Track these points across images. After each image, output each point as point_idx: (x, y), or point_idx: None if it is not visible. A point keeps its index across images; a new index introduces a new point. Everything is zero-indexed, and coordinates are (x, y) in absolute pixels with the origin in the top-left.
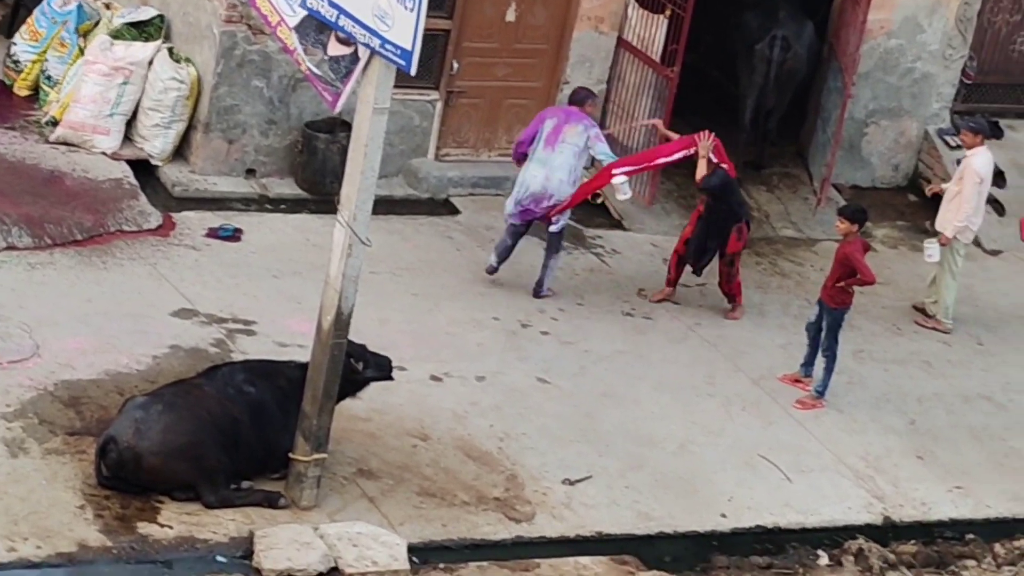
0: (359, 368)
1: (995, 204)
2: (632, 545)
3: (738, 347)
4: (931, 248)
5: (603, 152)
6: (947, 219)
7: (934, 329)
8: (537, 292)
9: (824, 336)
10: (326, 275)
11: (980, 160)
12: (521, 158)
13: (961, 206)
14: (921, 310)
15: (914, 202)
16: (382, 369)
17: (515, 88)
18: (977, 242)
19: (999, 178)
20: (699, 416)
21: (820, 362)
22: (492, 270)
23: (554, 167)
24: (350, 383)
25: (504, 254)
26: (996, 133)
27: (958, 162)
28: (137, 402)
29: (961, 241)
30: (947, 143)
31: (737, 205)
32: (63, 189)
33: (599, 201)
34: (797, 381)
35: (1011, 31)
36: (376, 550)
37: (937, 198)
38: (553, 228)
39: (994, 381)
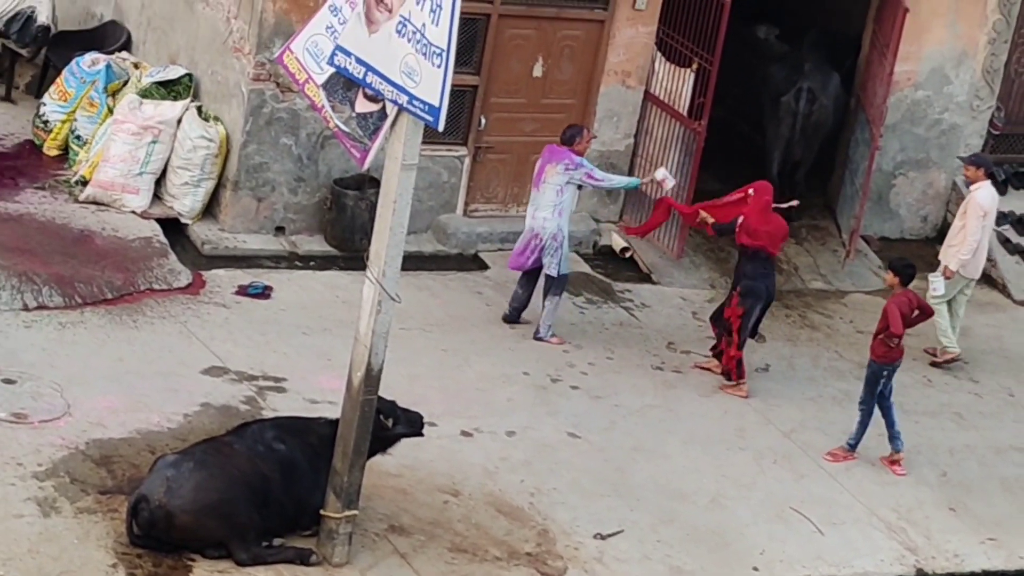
0: (389, 425)
1: (1023, 254)
2: None
3: (768, 400)
4: (936, 282)
5: (609, 180)
6: (951, 253)
7: (948, 361)
8: (535, 335)
9: (863, 388)
10: (356, 331)
11: (983, 194)
12: None
13: (965, 240)
14: (933, 354)
15: None
16: (413, 425)
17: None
18: (1007, 292)
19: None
20: (730, 470)
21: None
22: (508, 318)
23: (539, 206)
24: (380, 440)
25: (514, 302)
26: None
27: None
28: (168, 460)
29: (964, 276)
30: None
31: (748, 273)
32: (93, 248)
33: (628, 255)
34: (893, 463)
35: None
36: None
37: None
38: (550, 272)
39: None
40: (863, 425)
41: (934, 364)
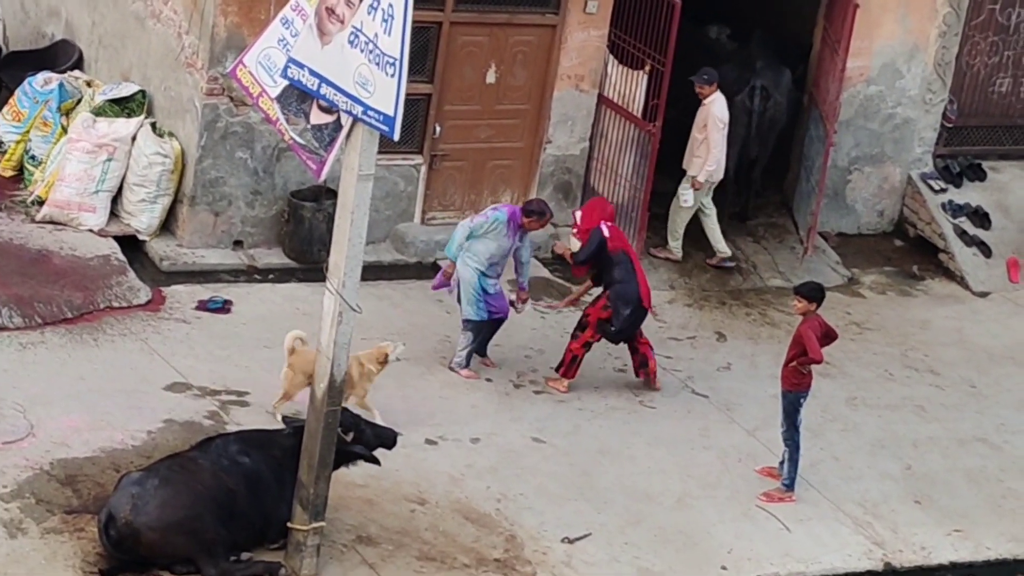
0: (348, 439)
1: (981, 246)
2: None
3: (731, 399)
4: (686, 194)
5: (453, 236)
6: (697, 164)
7: (721, 261)
8: (449, 364)
9: (783, 421)
10: (317, 343)
11: (718, 106)
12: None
13: (710, 151)
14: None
15: (900, 247)
16: (382, 440)
17: (498, 149)
18: (965, 284)
19: (984, 219)
20: (695, 469)
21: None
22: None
23: None
24: (339, 454)
25: None
26: (979, 175)
27: (945, 205)
28: (133, 478)
29: (712, 181)
30: (931, 187)
31: (617, 277)
32: (51, 268)
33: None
34: (771, 475)
35: (990, 73)
36: None
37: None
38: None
39: (988, 423)
40: (795, 461)
41: (709, 264)
